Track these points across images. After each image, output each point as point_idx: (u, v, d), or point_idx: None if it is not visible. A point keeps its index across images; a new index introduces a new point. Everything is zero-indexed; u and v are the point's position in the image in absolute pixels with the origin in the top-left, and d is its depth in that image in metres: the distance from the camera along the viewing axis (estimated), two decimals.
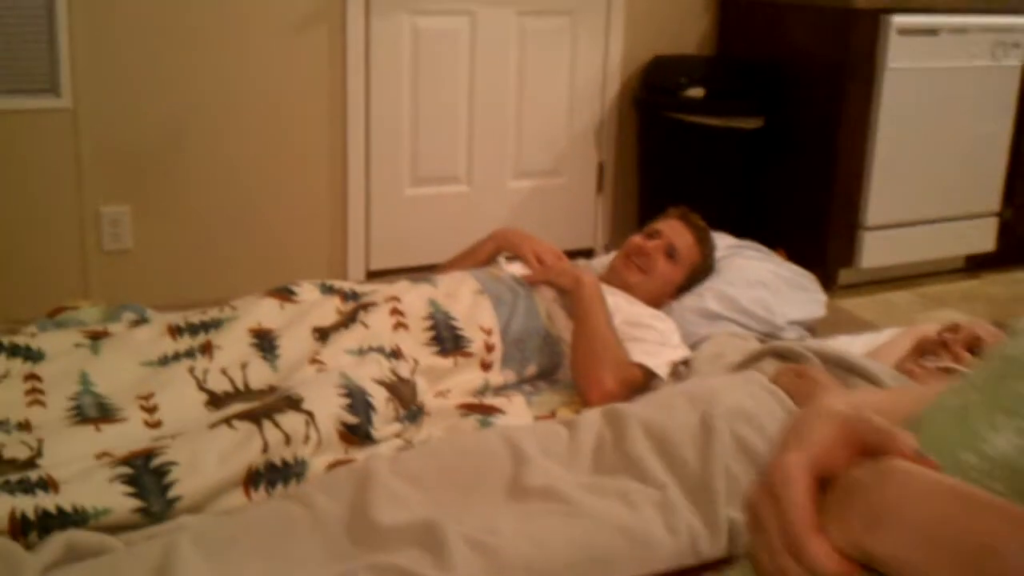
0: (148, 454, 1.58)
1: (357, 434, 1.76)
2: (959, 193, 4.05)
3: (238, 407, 1.76)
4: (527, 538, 1.46)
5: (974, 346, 1.95)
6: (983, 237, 4.18)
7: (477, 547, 1.42)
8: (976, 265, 4.25)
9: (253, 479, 1.63)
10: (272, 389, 1.89)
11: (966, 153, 3.99)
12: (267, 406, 1.73)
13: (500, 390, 2.13)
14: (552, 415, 2.08)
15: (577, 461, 1.69)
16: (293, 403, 1.73)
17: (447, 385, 2.06)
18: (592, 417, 1.79)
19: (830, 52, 3.74)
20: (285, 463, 1.66)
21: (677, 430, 1.67)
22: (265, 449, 1.64)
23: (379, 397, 1.84)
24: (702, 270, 2.57)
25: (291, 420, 1.69)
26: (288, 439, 1.66)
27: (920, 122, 3.82)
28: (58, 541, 1.37)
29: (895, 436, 0.63)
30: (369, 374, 1.88)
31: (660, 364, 2.20)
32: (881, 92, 3.70)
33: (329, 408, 1.75)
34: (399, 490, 1.55)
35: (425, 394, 1.98)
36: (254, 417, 1.69)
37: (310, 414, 1.72)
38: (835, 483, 0.65)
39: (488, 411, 1.98)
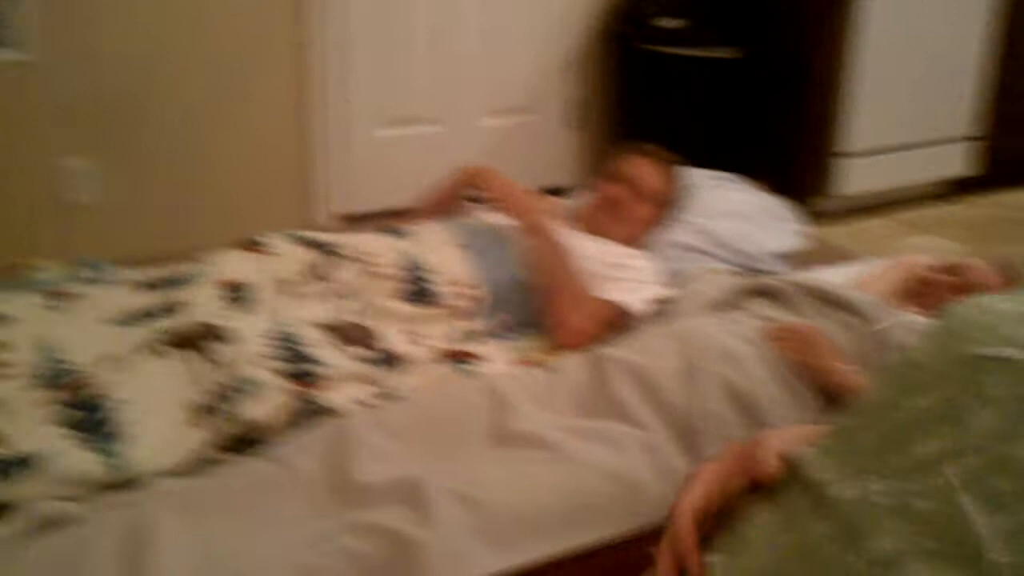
0: (85, 385, 1.56)
1: (300, 377, 1.72)
2: (936, 117, 4.01)
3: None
4: (512, 488, 1.43)
5: (970, 292, 1.91)
6: (961, 161, 4.14)
7: (461, 500, 1.39)
8: (955, 190, 4.22)
9: (199, 412, 1.61)
10: None
11: (944, 77, 3.93)
12: (197, 337, 1.70)
13: (476, 336, 2.07)
14: (531, 361, 2.04)
15: (561, 406, 1.66)
16: (222, 339, 1.71)
17: (416, 329, 2.01)
18: (575, 362, 1.76)
19: None
20: (227, 389, 1.63)
21: (661, 373, 1.64)
22: (204, 382, 1.63)
23: (312, 339, 1.80)
24: (676, 200, 2.52)
25: (226, 352, 1.67)
26: (225, 366, 1.65)
27: (898, 46, 3.75)
28: (22, 513, 1.33)
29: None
30: (309, 316, 1.84)
31: (635, 300, 2.15)
32: (859, 16, 3.63)
33: (256, 351, 1.72)
34: (379, 445, 1.52)
35: (394, 339, 1.93)
36: (191, 344, 1.66)
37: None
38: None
39: (466, 358, 1.94)
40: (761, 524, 0.68)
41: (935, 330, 0.65)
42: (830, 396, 1.66)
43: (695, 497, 0.76)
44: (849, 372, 1.65)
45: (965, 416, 0.58)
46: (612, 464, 1.49)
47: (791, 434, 0.74)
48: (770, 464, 0.70)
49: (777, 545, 0.65)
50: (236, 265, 2.01)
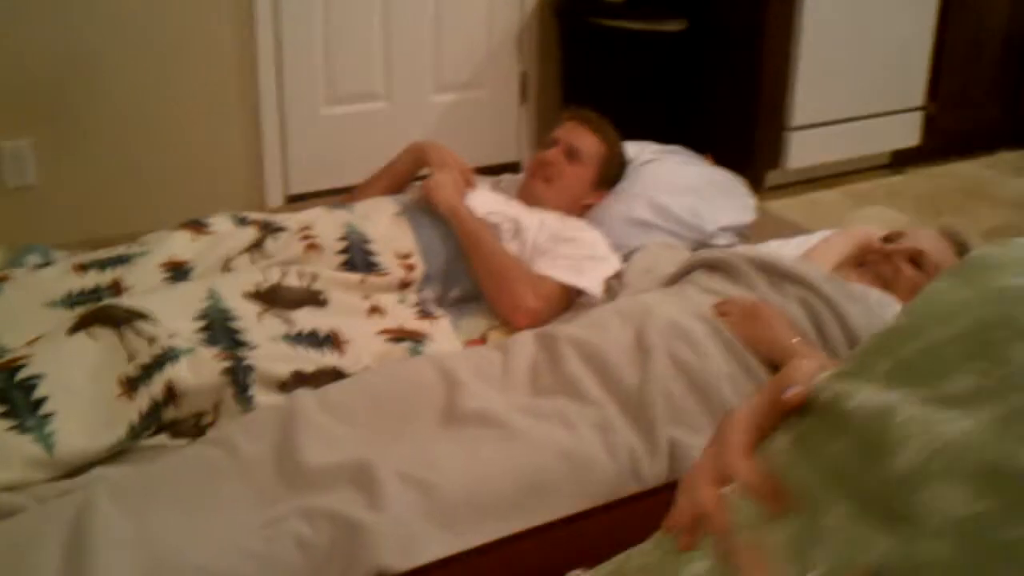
0: (11, 367, 1.53)
1: (230, 349, 1.70)
2: (883, 89, 4.03)
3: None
4: (464, 469, 1.42)
5: (916, 259, 1.92)
6: (908, 133, 4.17)
7: (412, 483, 1.37)
8: (902, 161, 4.25)
9: (130, 385, 1.58)
10: None
11: (890, 49, 3.96)
12: (124, 316, 1.65)
13: (425, 311, 2.04)
14: (482, 339, 2.02)
15: (513, 385, 1.64)
16: (150, 322, 1.67)
17: (361, 298, 1.98)
18: (525, 340, 1.74)
19: None
20: (156, 359, 1.59)
21: (613, 350, 1.63)
22: (131, 357, 1.60)
23: (246, 314, 1.77)
24: (613, 161, 2.49)
25: (151, 328, 1.64)
26: (151, 341, 1.61)
27: (844, 18, 3.77)
28: None
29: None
30: (241, 287, 1.82)
31: (593, 281, 2.13)
32: None
33: (186, 334, 1.69)
34: (328, 427, 1.49)
35: (339, 305, 1.90)
36: (113, 323, 1.63)
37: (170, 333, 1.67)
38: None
39: (416, 337, 1.91)
40: (778, 453, 0.66)
41: (959, 266, 0.63)
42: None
43: (741, 445, 0.69)
44: (800, 345, 1.65)
45: (1001, 350, 0.56)
46: (564, 442, 1.48)
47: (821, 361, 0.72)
48: (803, 389, 0.67)
49: (795, 473, 0.63)
50: (180, 246, 1.98)
